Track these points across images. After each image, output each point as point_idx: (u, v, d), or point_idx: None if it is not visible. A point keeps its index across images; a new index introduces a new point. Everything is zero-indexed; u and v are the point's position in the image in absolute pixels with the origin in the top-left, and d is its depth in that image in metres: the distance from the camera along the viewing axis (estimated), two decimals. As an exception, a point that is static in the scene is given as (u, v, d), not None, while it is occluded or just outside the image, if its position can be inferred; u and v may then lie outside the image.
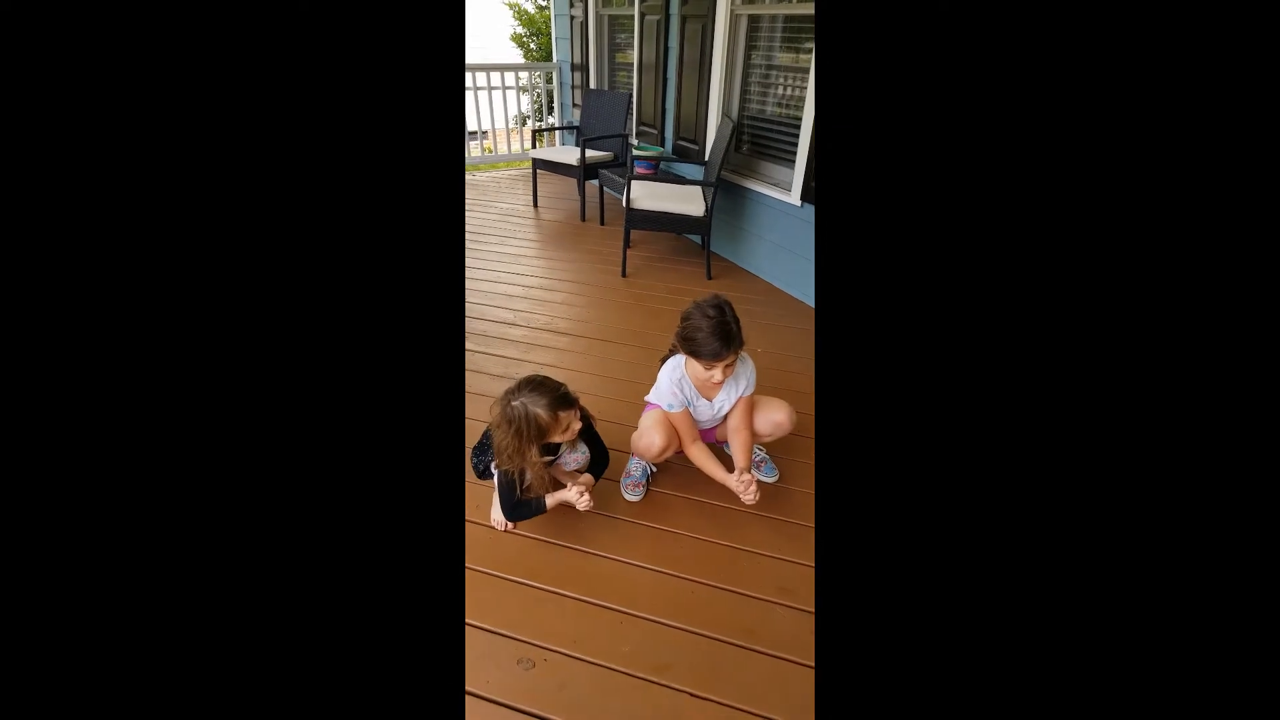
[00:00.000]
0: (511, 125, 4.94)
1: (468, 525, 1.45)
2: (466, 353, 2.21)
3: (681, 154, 3.55)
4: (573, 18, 4.52)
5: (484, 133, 4.82)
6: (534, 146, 4.02)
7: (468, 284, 2.80)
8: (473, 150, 4.93)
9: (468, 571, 1.32)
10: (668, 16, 3.38)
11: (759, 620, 1.24)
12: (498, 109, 4.73)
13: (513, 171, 4.99)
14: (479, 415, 1.84)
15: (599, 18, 4.25)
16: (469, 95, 4.49)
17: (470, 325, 2.42)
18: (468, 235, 3.44)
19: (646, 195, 2.91)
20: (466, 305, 2.59)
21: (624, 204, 2.89)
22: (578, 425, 1.36)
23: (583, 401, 1.39)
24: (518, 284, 2.81)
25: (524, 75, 5.16)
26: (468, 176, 4.78)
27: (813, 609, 1.26)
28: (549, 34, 5.78)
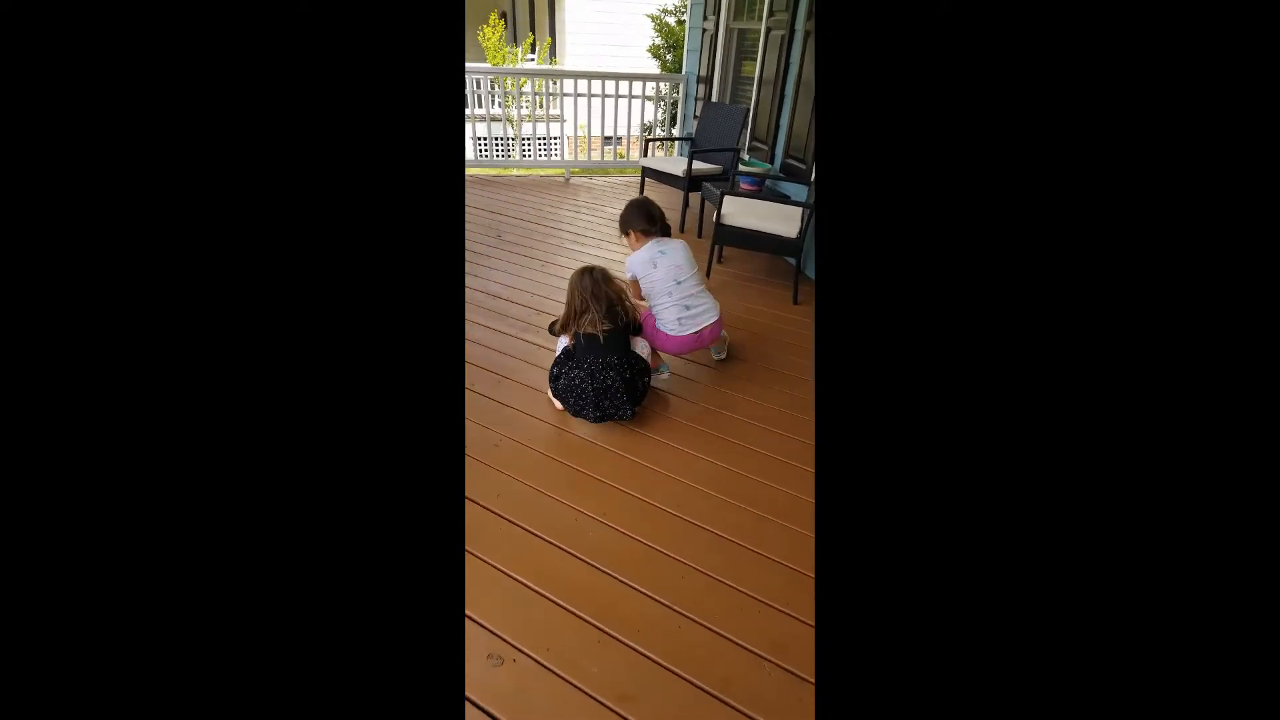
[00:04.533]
0: (641, 134, 5.09)
1: (477, 509, 1.50)
2: (536, 348, 2.29)
3: (789, 173, 3.43)
4: (704, 31, 4.54)
5: (618, 138, 5.01)
6: (644, 155, 4.08)
7: (560, 282, 2.91)
8: (606, 154, 5.14)
9: (466, 555, 1.37)
10: (792, 32, 3.29)
11: (742, 673, 1.16)
12: (635, 117, 4.88)
13: (628, 177, 5.12)
14: (526, 408, 1.91)
15: (728, 31, 4.23)
16: (601, 102, 4.68)
17: (547, 321, 2.50)
18: (572, 236, 3.57)
19: (739, 212, 2.85)
20: (550, 303, 2.68)
21: (714, 218, 2.85)
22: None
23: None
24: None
25: (650, 85, 5.27)
26: (588, 180, 4.98)
27: (804, 675, 1.16)
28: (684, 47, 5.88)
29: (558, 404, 1.89)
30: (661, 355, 2.08)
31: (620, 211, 2.18)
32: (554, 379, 1.86)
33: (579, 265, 1.90)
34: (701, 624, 1.25)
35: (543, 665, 1.14)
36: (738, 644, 1.21)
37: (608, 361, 1.78)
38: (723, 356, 2.24)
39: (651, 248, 2.02)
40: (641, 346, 1.95)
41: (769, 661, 1.18)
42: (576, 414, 1.84)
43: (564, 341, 1.92)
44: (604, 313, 1.80)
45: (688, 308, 1.97)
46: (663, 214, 2.10)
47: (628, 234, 2.13)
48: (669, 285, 1.96)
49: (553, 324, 1.96)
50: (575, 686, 1.11)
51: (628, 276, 2.08)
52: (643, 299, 2.10)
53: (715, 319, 2.00)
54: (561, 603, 1.27)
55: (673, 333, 1.96)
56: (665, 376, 2.07)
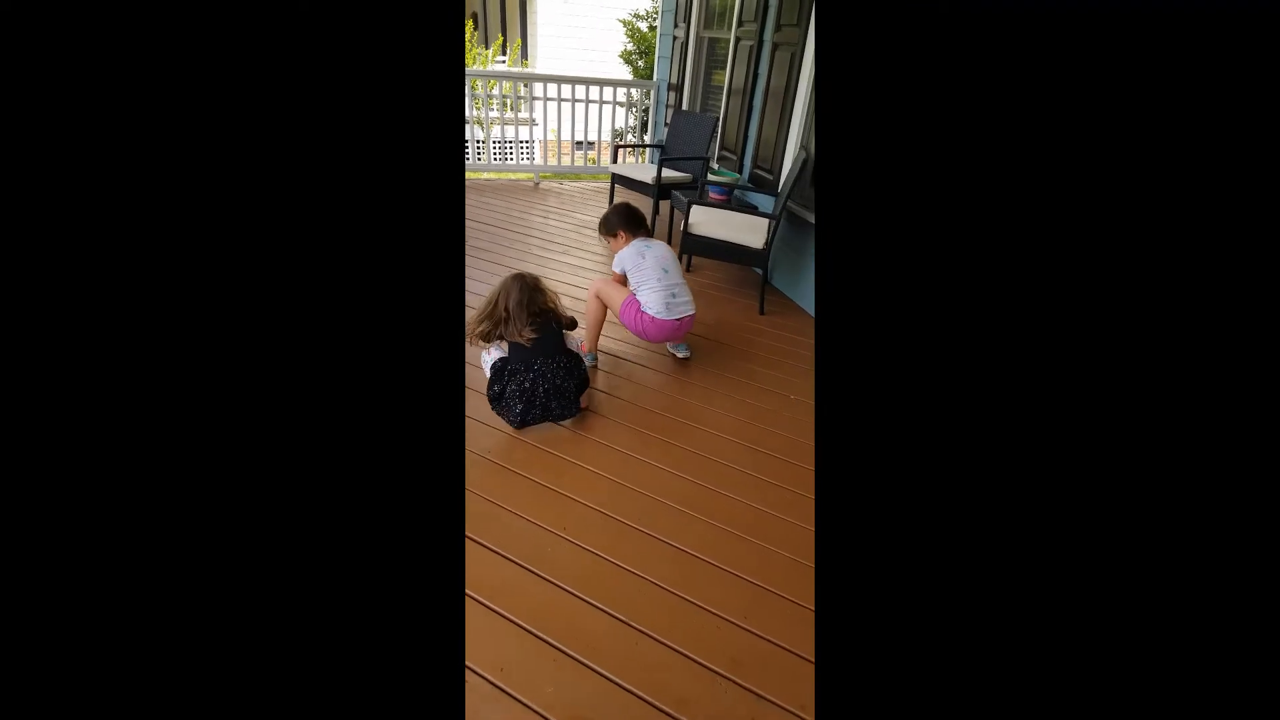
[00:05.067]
0: (612, 139, 5.08)
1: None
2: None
3: (757, 183, 3.47)
4: (675, 38, 4.57)
5: (590, 144, 4.98)
6: (614, 161, 4.08)
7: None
8: (578, 160, 5.10)
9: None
10: (760, 43, 3.33)
11: (699, 692, 1.15)
12: (606, 122, 4.86)
13: (598, 183, 5.10)
14: (488, 419, 1.87)
15: (699, 40, 4.26)
16: (577, 107, 4.66)
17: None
18: (540, 242, 3.54)
19: (707, 221, 2.86)
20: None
21: (682, 227, 2.86)
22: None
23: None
24: (568, 295, 2.84)
25: (623, 92, 5.28)
26: (558, 185, 4.95)
27: (760, 692, 1.16)
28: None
29: (505, 419, 1.83)
30: (594, 345, 2.22)
31: (601, 216, 2.32)
32: (496, 397, 1.80)
33: (547, 271, 1.90)
34: (660, 641, 1.24)
35: (494, 684, 1.12)
36: (696, 661, 1.21)
37: (558, 362, 1.79)
38: (686, 355, 2.36)
39: (638, 244, 2.18)
40: (570, 342, 1.97)
41: (725, 679, 1.18)
42: (524, 424, 1.80)
43: (492, 355, 1.89)
44: (533, 323, 1.80)
45: (674, 295, 2.12)
46: (645, 218, 2.28)
47: (615, 235, 2.25)
48: (658, 273, 2.10)
49: (473, 332, 1.85)
50: (528, 707, 1.09)
51: (616, 271, 2.20)
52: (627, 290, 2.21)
53: (693, 313, 2.17)
54: (517, 620, 1.25)
55: (658, 315, 2.08)
56: (591, 364, 2.20)
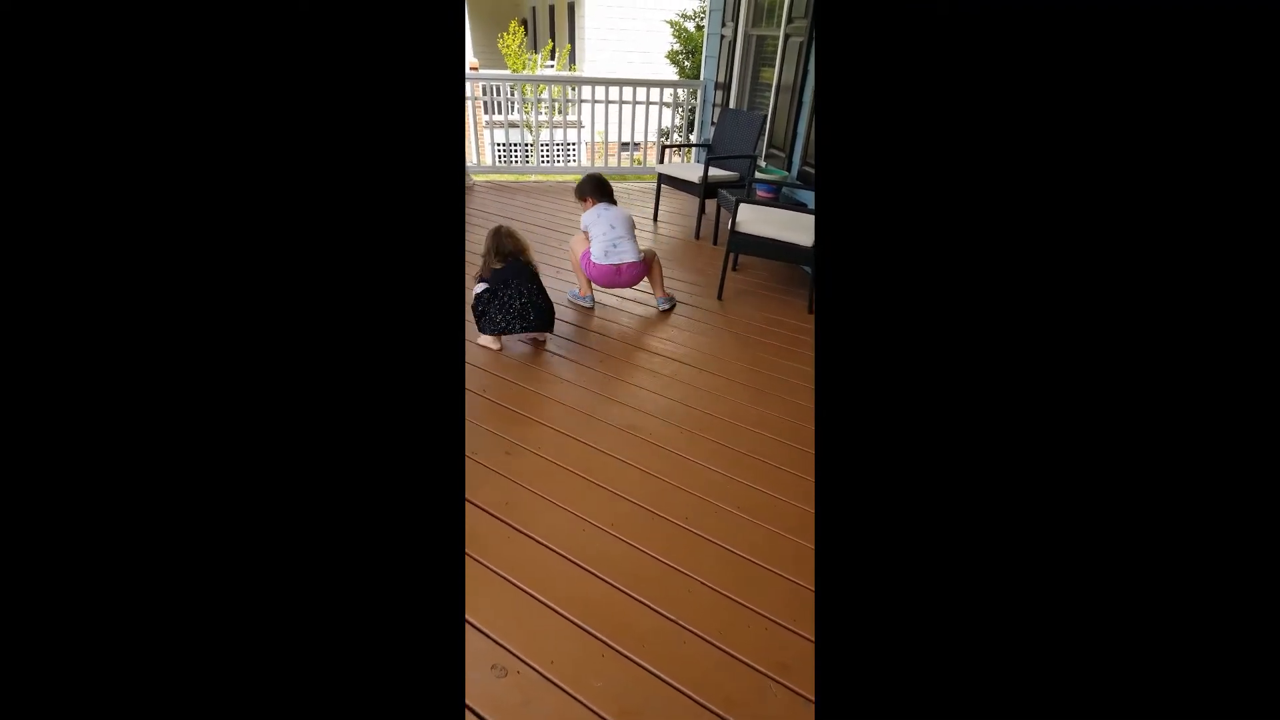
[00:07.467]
0: (658, 140, 5.10)
1: (486, 517, 1.50)
2: (552, 355, 2.30)
3: (806, 180, 3.41)
4: (723, 37, 4.54)
5: (636, 145, 5.02)
6: (660, 161, 4.08)
7: (566, 289, 2.92)
8: (624, 161, 5.14)
9: (473, 564, 1.37)
10: (811, 39, 3.27)
11: (746, 693, 1.14)
12: (652, 123, 4.88)
13: (644, 184, 5.12)
14: (539, 416, 1.91)
15: (747, 37, 4.22)
16: (624, 109, 4.69)
17: (556, 328, 2.51)
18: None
19: (755, 220, 2.83)
20: (563, 309, 2.68)
21: (729, 226, 2.84)
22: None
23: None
24: (610, 295, 2.87)
25: (669, 92, 5.28)
26: (614, 185, 4.99)
27: (809, 695, 1.14)
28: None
29: (485, 340, 2.30)
30: (592, 289, 2.74)
31: (577, 186, 2.84)
32: (481, 314, 2.26)
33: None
34: (707, 640, 1.23)
35: (546, 677, 1.14)
36: (742, 661, 1.19)
37: (529, 285, 2.28)
38: (665, 308, 2.76)
39: (599, 208, 2.67)
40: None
41: (774, 681, 1.16)
42: (505, 332, 2.24)
43: (479, 287, 2.36)
44: (499, 257, 2.33)
45: (614, 245, 2.58)
46: (611, 190, 2.78)
47: (585, 200, 2.76)
48: (604, 229, 2.59)
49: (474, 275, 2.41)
50: (578, 700, 1.11)
51: (581, 229, 2.68)
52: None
53: (633, 260, 2.58)
54: (567, 614, 1.27)
55: (596, 261, 2.57)
56: (589, 305, 2.73)
